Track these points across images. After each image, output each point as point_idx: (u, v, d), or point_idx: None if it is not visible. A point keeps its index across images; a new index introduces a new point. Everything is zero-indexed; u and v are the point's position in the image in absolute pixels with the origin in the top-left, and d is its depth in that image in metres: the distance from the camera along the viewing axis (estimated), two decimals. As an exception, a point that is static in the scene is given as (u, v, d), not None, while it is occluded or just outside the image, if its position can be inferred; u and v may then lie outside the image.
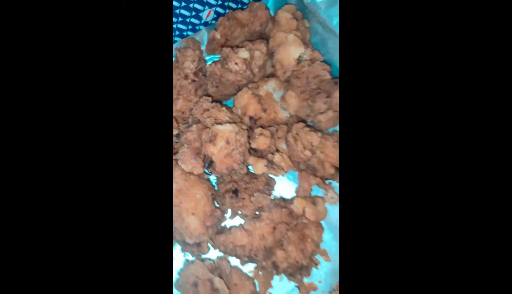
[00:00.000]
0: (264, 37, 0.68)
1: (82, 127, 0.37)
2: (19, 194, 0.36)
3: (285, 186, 0.66)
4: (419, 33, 0.37)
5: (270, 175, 0.63)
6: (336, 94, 0.59)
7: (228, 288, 0.52)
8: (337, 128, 0.66)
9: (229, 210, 0.63)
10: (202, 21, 0.73)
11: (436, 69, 0.37)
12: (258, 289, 0.58)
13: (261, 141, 0.59)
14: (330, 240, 0.63)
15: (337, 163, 0.61)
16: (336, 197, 0.63)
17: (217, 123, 0.54)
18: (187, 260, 0.62)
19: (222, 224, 0.63)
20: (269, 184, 0.62)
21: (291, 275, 0.56)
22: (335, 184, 0.64)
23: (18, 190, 0.36)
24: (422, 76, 0.37)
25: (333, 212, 0.64)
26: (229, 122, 0.55)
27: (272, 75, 0.67)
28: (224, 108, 0.60)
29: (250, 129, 0.62)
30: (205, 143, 0.56)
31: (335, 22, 0.63)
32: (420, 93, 0.37)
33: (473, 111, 0.36)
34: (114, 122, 0.38)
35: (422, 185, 0.36)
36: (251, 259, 0.58)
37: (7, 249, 0.35)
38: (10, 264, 0.35)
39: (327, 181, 0.64)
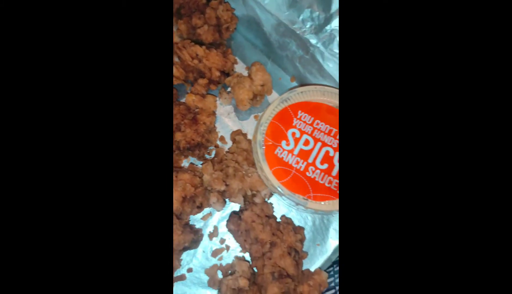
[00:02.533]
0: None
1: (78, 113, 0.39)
2: (14, 201, 0.36)
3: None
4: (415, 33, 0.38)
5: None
6: (209, 10, 0.76)
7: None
8: (225, 42, 0.83)
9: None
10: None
11: (436, 70, 0.38)
12: (170, 170, 0.74)
13: (156, 56, 0.75)
14: (225, 131, 0.80)
15: (221, 68, 0.78)
16: (228, 97, 0.80)
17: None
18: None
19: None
20: (172, 92, 0.79)
21: (189, 150, 0.72)
22: (229, 89, 0.81)
23: (14, 197, 0.36)
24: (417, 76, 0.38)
25: (228, 109, 0.81)
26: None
27: (170, 15, 0.84)
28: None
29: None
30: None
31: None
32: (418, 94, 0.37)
33: (470, 112, 0.36)
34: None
35: (421, 187, 0.36)
36: (160, 147, 0.74)
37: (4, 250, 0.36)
38: (6, 266, 0.36)
39: (220, 86, 0.81)
